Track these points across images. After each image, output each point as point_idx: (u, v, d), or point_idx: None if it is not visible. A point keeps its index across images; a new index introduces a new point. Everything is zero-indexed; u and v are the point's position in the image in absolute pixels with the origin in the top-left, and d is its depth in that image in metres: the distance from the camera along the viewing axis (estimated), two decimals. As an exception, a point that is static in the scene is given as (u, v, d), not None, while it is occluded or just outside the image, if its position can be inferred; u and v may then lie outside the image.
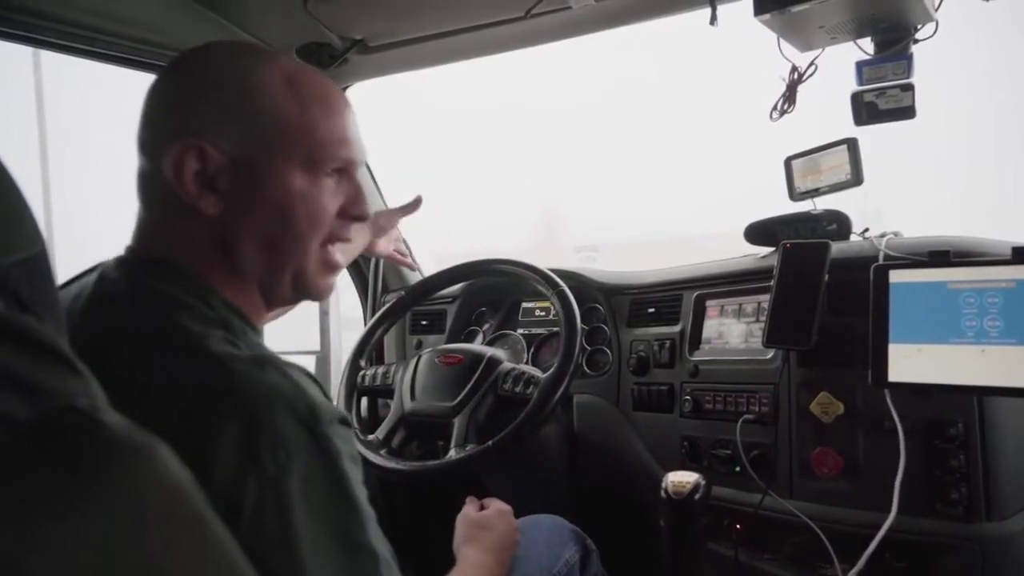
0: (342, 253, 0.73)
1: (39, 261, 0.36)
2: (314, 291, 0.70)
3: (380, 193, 1.84)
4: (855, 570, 1.02)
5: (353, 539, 0.54)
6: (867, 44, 1.16)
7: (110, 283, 0.63)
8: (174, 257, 0.63)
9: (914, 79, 1.12)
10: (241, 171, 0.62)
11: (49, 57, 1.33)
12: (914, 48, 1.13)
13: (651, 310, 1.48)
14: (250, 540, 0.46)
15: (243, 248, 0.64)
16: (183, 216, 0.63)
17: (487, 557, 0.97)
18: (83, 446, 0.32)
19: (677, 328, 1.42)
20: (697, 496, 1.01)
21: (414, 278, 1.96)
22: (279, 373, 0.55)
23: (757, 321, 1.30)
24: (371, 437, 1.38)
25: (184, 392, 0.52)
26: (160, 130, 0.63)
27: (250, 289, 0.67)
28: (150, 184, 0.65)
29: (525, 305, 1.76)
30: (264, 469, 0.49)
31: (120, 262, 0.65)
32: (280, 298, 0.69)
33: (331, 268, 0.71)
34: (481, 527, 1.03)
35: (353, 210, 0.70)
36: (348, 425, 0.58)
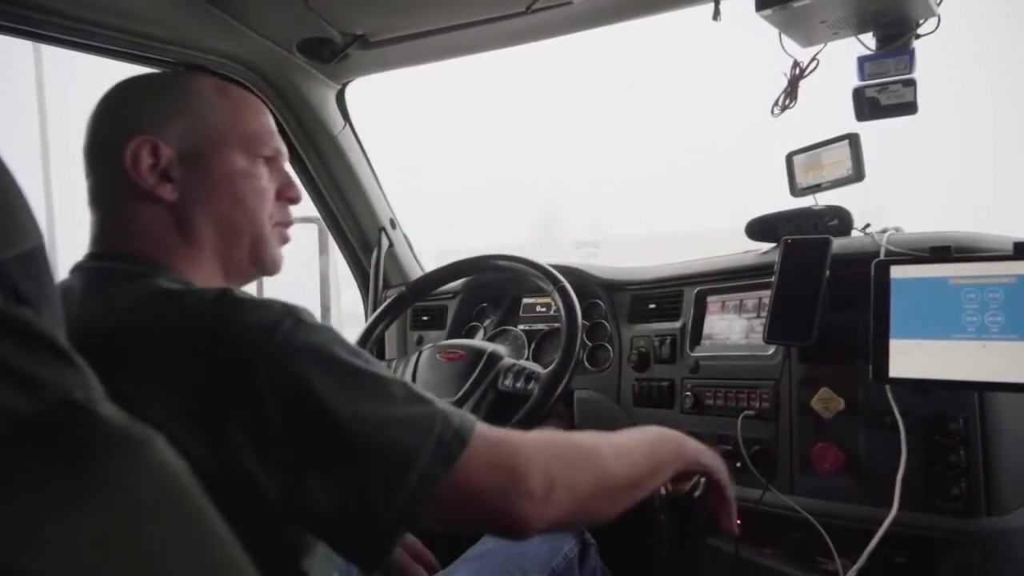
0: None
1: (37, 255, 0.36)
2: (271, 262, 0.80)
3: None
4: (857, 566, 1.02)
5: (372, 374, 0.60)
6: (869, 39, 1.16)
7: (68, 283, 0.69)
8: (133, 249, 0.71)
9: (916, 74, 1.11)
10: (190, 160, 0.72)
11: (50, 52, 1.33)
12: (916, 43, 1.12)
13: (652, 306, 1.48)
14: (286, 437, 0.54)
15: (201, 226, 0.73)
16: (145, 206, 0.71)
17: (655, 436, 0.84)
18: (80, 439, 0.32)
19: (678, 324, 1.42)
20: (696, 493, 1.00)
21: (415, 274, 1.96)
22: (245, 296, 0.61)
23: (758, 317, 1.30)
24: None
25: (167, 339, 0.58)
26: (117, 132, 0.71)
27: (209, 264, 0.75)
28: (111, 184, 0.72)
29: (526, 301, 1.76)
30: (274, 374, 0.55)
31: (76, 267, 0.72)
32: (238, 270, 0.78)
33: (282, 241, 0.82)
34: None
35: (287, 193, 0.82)
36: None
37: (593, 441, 0.73)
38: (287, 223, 0.82)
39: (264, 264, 0.80)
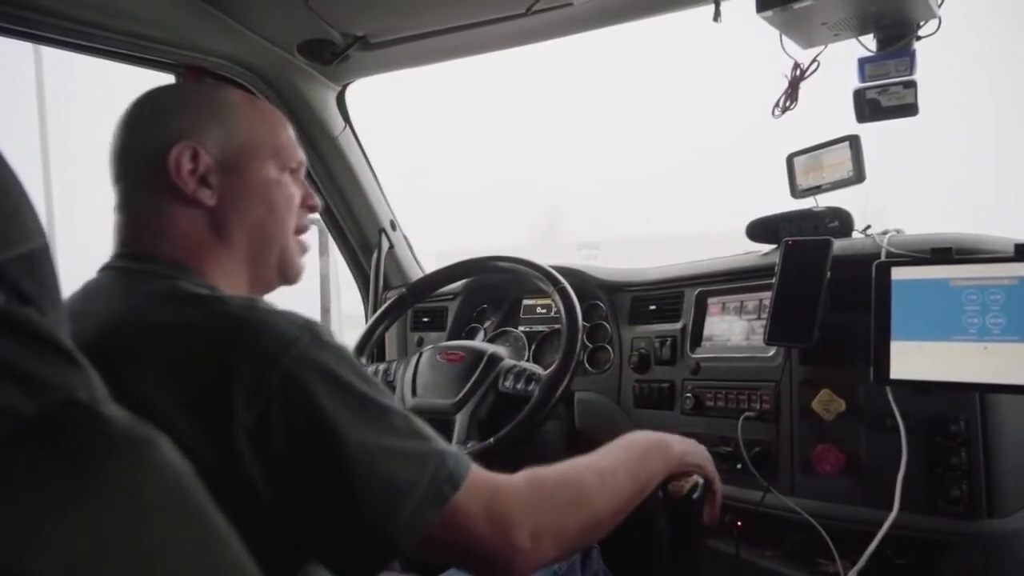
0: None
1: (40, 255, 0.36)
2: (294, 270, 0.83)
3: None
4: (857, 568, 1.02)
5: (378, 402, 0.61)
6: (869, 41, 1.16)
7: (95, 282, 0.72)
8: (162, 252, 0.72)
9: (917, 76, 1.11)
10: (227, 168, 0.74)
11: (50, 52, 1.33)
12: (917, 45, 1.12)
13: (652, 307, 1.48)
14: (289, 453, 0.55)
15: (235, 231, 0.75)
16: (182, 210, 0.73)
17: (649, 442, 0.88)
18: (82, 439, 0.32)
19: (678, 325, 1.42)
20: (696, 496, 1.00)
21: (415, 275, 1.96)
22: (269, 306, 0.63)
23: (759, 318, 1.30)
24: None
25: (187, 337, 0.59)
26: (157, 137, 0.73)
27: (238, 269, 0.77)
28: (146, 188, 0.73)
29: (526, 302, 1.76)
30: (285, 385, 0.56)
31: (105, 266, 0.73)
32: (264, 277, 0.80)
33: (303, 250, 0.85)
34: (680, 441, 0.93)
35: (309, 201, 0.85)
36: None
37: (579, 475, 0.73)
38: (304, 229, 0.85)
39: (288, 272, 0.83)
